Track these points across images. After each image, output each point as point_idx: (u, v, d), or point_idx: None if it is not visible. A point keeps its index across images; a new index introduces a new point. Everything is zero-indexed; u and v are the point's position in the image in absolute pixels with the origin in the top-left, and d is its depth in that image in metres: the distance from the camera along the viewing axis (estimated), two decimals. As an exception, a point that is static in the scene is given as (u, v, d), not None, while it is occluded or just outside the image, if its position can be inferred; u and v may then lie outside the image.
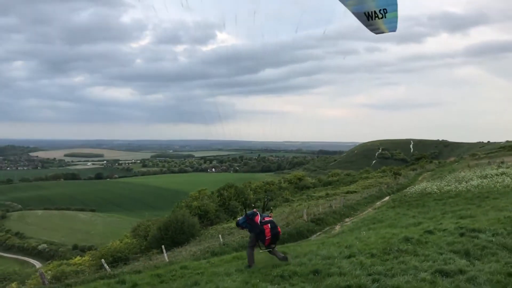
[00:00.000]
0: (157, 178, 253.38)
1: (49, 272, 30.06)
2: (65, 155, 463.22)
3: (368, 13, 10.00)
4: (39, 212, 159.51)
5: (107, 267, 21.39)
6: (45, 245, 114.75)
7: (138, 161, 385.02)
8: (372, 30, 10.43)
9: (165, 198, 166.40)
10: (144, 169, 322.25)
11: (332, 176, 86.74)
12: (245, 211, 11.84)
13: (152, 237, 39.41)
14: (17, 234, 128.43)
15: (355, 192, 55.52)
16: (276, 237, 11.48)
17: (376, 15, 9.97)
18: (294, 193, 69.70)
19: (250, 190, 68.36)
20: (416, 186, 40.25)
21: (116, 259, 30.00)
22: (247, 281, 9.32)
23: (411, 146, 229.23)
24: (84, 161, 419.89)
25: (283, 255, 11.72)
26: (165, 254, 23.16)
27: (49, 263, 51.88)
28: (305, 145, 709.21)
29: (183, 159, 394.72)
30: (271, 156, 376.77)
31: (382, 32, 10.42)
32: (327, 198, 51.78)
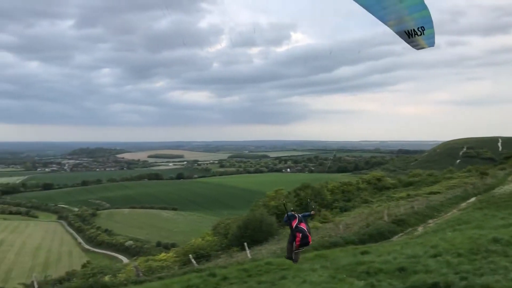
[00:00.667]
0: (234, 178, 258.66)
1: (139, 266, 32.13)
2: (149, 157, 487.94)
3: (408, 31, 11.04)
4: (126, 210, 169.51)
5: (194, 262, 22.66)
6: (131, 242, 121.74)
7: (216, 162, 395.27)
8: (413, 46, 11.44)
9: (242, 198, 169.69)
10: (221, 169, 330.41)
11: (413, 176, 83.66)
12: (286, 212, 12.86)
13: (232, 235, 40.63)
14: (106, 231, 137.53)
15: (438, 193, 53.29)
16: (305, 245, 12.61)
17: (415, 33, 10.99)
18: (373, 194, 68.29)
19: (327, 190, 67.94)
20: (506, 187, 38.01)
21: (199, 256, 31.37)
22: (334, 276, 9.70)
23: (499, 144, 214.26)
24: (166, 162, 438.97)
25: (298, 259, 12.94)
26: (248, 251, 24.01)
27: (135, 259, 55.05)
28: (383, 144, 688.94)
29: (258, 160, 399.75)
30: (347, 156, 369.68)
31: (423, 48, 11.39)
32: (408, 199, 50.21)
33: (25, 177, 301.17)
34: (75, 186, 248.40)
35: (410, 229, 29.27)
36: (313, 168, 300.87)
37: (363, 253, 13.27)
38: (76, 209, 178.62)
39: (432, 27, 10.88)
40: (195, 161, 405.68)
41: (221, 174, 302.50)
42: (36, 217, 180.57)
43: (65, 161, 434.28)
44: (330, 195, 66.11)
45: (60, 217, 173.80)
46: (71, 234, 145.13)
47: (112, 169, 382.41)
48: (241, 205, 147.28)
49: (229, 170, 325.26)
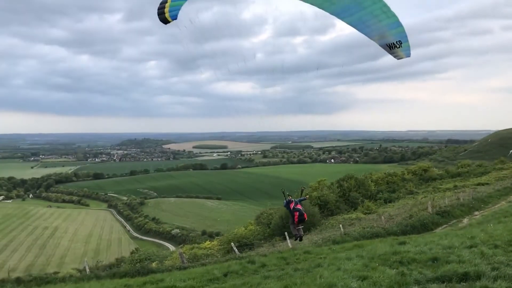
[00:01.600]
0: (277, 169, 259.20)
1: (184, 254, 33.22)
2: (194, 147, 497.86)
3: (389, 44, 14.13)
4: (172, 199, 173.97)
5: (236, 250, 23.33)
6: (177, 230, 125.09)
7: (259, 152, 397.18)
8: (394, 56, 14.57)
9: (285, 188, 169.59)
10: (264, 160, 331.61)
11: (461, 167, 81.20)
12: (285, 197, 16.75)
13: (274, 225, 41.13)
14: (153, 219, 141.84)
15: (487, 184, 51.73)
16: (302, 221, 16.17)
17: (395, 46, 14.06)
18: (418, 185, 66.88)
19: (371, 181, 67.03)
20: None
21: (242, 245, 32.06)
22: (367, 265, 9.91)
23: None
24: (210, 152, 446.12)
25: (302, 234, 16.45)
26: (288, 241, 24.43)
27: (181, 247, 56.68)
28: (431, 134, 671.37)
29: (301, 150, 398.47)
30: (394, 146, 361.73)
31: (401, 58, 14.49)
32: (455, 190, 49.03)
33: (77, 167, 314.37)
34: (123, 176, 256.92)
35: (454, 220, 28.73)
36: (358, 159, 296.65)
37: (400, 243, 13.33)
38: (125, 198, 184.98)
39: (407, 41, 13.76)
40: (239, 152, 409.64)
41: (264, 164, 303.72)
42: (87, 205, 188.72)
43: (114, 152, 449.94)
44: (374, 186, 65.22)
45: (110, 206, 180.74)
46: (120, 222, 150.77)
47: (159, 159, 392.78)
48: (283, 195, 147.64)
49: (272, 160, 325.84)
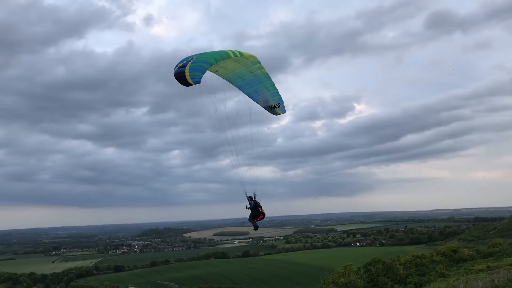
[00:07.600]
0: (301, 254, 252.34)
1: None
2: (214, 235, 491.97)
3: (271, 106, 22.36)
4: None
5: None
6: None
7: (281, 238, 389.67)
8: (273, 113, 22.73)
9: (311, 275, 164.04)
10: (287, 246, 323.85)
11: (493, 247, 77.95)
12: (254, 200, 24.36)
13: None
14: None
15: (523, 263, 49.27)
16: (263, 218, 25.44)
17: (275, 106, 22.48)
18: (449, 267, 64.02)
19: (400, 264, 64.58)
20: None
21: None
22: None
23: None
24: (231, 239, 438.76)
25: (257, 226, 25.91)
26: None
27: None
28: (457, 212, 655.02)
29: (325, 234, 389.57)
30: (420, 226, 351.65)
31: (279, 114, 23.29)
32: (488, 272, 46.79)
33: (98, 259, 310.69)
34: (144, 268, 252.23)
35: (491, 305, 27.15)
36: (384, 241, 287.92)
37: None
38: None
39: (283, 102, 22.44)
40: (261, 238, 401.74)
41: (288, 250, 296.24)
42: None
43: (135, 243, 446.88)
44: (402, 269, 62.65)
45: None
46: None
47: (180, 248, 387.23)
48: (309, 283, 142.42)
49: (295, 246, 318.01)
